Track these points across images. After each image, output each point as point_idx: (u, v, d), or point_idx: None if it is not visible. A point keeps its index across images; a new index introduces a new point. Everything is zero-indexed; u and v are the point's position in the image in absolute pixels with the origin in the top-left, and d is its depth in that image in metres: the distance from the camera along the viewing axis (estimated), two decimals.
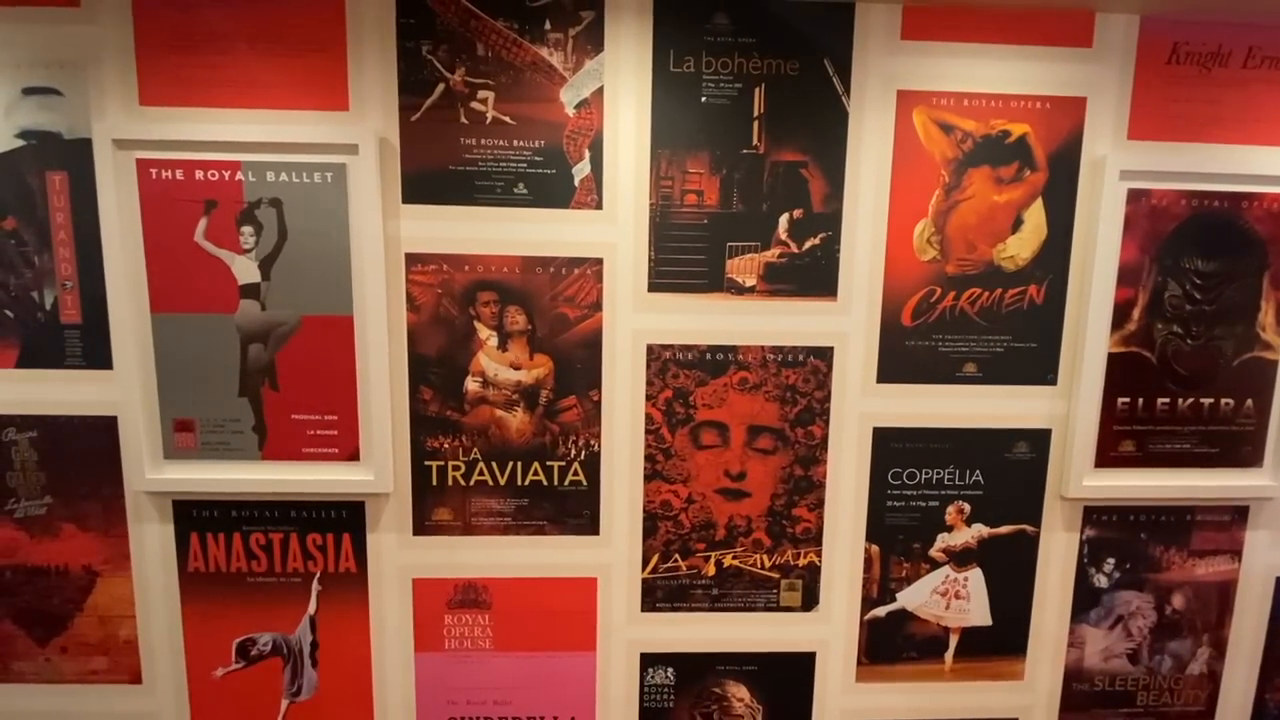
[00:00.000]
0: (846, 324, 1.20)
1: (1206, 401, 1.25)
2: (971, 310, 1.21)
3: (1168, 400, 1.25)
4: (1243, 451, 1.27)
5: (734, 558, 1.26)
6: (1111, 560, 1.30)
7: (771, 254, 1.18)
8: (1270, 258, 1.22)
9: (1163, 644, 1.33)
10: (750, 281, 1.18)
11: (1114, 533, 1.29)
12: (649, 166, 1.14)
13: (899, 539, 1.27)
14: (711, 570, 1.26)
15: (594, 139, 1.13)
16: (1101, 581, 1.30)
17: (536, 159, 1.13)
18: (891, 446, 1.24)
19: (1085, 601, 1.31)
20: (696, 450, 1.22)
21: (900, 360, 1.22)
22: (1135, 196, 1.19)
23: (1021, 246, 1.20)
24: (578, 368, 1.19)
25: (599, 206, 1.15)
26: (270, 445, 1.17)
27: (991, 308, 1.21)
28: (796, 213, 1.17)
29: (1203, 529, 1.30)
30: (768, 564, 1.26)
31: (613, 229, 1.16)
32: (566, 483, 1.22)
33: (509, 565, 1.23)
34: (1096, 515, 1.28)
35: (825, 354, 1.21)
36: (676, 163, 1.15)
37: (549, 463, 1.21)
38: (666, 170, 1.15)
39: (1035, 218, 1.19)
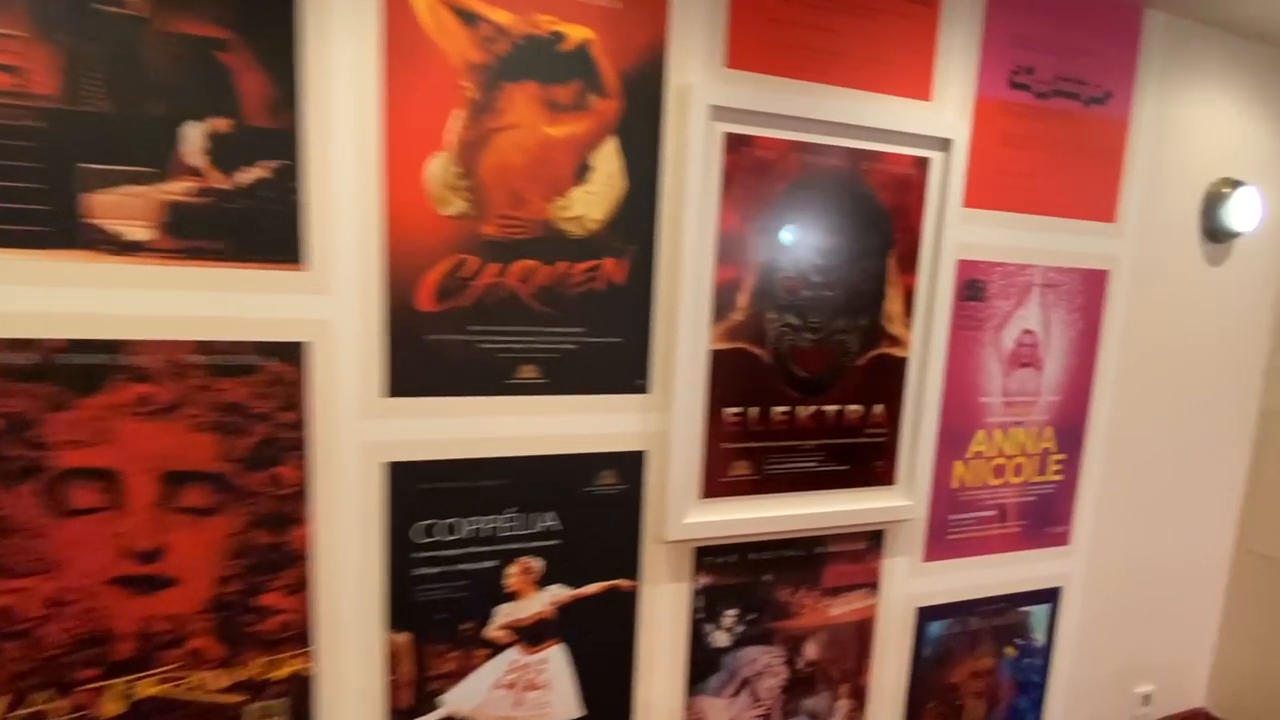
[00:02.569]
0: (326, 307, 0.78)
1: (831, 409, 1.02)
2: (526, 291, 0.85)
3: (786, 409, 0.99)
4: (873, 467, 1.06)
5: (161, 681, 0.78)
6: (732, 612, 1.03)
7: (176, 188, 0.71)
8: (895, 234, 1.01)
9: (797, 703, 1.10)
10: (138, 233, 0.71)
11: (733, 577, 1.02)
12: None
13: (438, 620, 0.88)
14: (117, 707, 0.77)
15: None
16: (721, 639, 1.03)
17: None
18: (417, 489, 0.84)
19: (703, 667, 1.03)
20: (61, 519, 0.73)
21: (421, 362, 0.82)
22: (735, 144, 0.90)
23: (591, 203, 0.86)
24: None
25: None
26: None
27: (555, 288, 0.86)
28: (220, 123, 0.72)
29: (835, 561, 1.08)
30: (225, 683, 0.81)
31: None
32: None
33: None
34: (710, 557, 1.00)
35: (292, 353, 0.78)
36: None
37: None
38: None
39: (608, 164, 0.86)
